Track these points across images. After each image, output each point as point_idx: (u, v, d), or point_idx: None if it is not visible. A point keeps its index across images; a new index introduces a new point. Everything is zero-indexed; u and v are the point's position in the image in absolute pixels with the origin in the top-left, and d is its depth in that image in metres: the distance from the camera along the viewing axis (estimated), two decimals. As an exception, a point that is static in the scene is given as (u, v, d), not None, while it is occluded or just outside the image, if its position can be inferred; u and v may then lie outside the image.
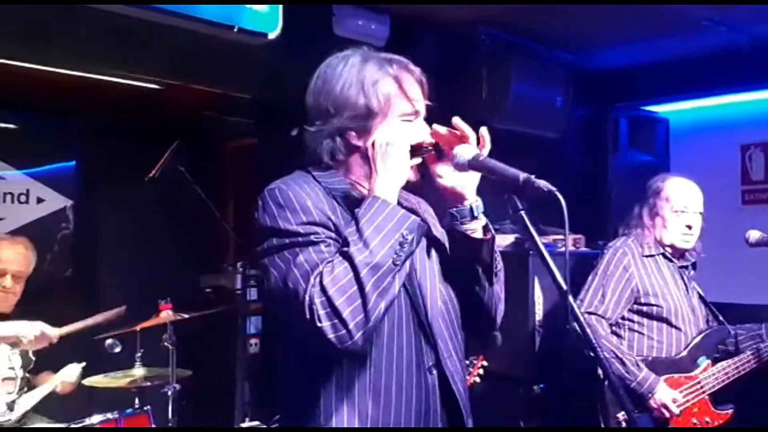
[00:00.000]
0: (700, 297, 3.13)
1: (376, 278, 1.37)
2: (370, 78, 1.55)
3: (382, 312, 1.39)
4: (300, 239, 1.45)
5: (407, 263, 1.43)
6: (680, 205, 2.99)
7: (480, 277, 1.62)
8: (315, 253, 1.43)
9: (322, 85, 1.59)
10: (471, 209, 1.56)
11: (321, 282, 1.36)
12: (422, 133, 1.58)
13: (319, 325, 1.35)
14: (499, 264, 1.67)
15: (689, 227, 2.99)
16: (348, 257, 1.37)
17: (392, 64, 1.59)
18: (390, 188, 1.47)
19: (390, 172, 1.47)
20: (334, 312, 1.34)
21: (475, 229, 1.58)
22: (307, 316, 1.35)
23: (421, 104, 1.60)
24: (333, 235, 1.47)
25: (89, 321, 3.16)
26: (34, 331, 2.96)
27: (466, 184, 1.56)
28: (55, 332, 3.02)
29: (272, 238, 1.47)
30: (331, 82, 1.57)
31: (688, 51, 4.09)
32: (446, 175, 1.56)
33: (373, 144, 1.51)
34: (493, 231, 1.60)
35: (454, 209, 1.57)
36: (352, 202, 1.52)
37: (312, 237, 1.45)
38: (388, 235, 1.40)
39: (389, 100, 1.55)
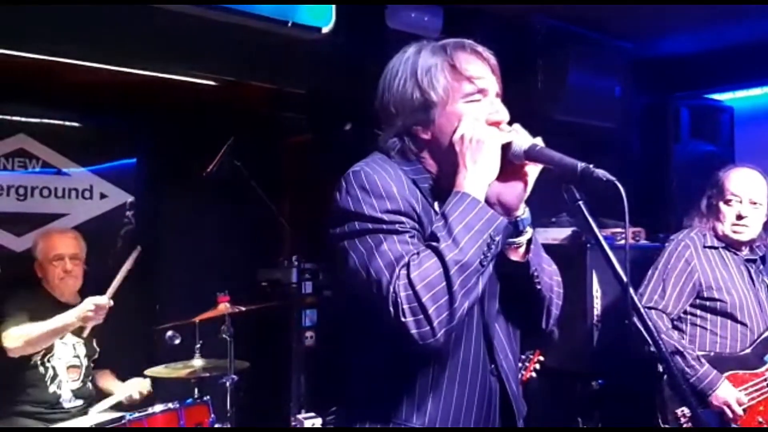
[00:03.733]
0: (771, 292, 3.03)
1: (463, 277, 1.33)
2: (423, 67, 1.50)
3: (465, 312, 1.36)
4: (384, 227, 1.39)
5: (490, 264, 1.39)
6: (730, 194, 2.93)
7: (521, 292, 1.56)
8: (399, 243, 1.38)
9: (382, 87, 1.56)
10: (516, 223, 1.49)
11: (408, 275, 1.32)
12: (492, 111, 1.49)
13: (403, 319, 1.31)
14: (545, 275, 1.57)
15: (739, 217, 2.91)
16: (438, 253, 1.33)
17: (447, 46, 1.52)
18: (479, 185, 1.41)
19: (480, 168, 1.41)
20: (421, 307, 1.30)
21: (521, 242, 1.52)
22: (391, 309, 1.32)
23: (487, 81, 1.50)
24: (417, 226, 1.43)
25: (122, 272, 3.28)
26: (88, 306, 3.10)
27: (513, 194, 1.47)
28: (104, 300, 3.15)
29: (354, 222, 1.42)
30: (389, 82, 1.54)
31: (752, 36, 3.92)
32: (492, 185, 1.46)
33: (461, 138, 1.44)
34: (532, 247, 1.52)
35: None
36: (434, 196, 1.49)
37: (397, 226, 1.40)
38: (477, 235, 1.35)
39: (446, 86, 1.48)
